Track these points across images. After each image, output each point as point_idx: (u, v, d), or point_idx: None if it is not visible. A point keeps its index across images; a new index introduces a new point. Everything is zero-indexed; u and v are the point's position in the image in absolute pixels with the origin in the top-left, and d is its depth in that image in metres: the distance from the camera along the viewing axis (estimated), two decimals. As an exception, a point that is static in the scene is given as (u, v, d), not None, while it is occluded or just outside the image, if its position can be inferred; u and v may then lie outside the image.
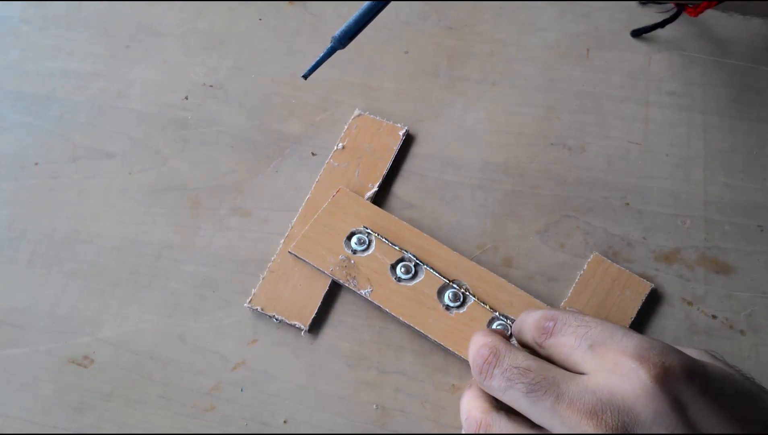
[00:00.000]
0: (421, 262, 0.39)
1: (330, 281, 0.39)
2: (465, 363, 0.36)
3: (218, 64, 0.48)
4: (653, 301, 0.39)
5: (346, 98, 0.46)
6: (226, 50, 0.49)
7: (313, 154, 0.44)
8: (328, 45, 0.36)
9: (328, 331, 0.39)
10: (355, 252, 0.39)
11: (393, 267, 0.39)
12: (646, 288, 0.39)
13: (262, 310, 0.38)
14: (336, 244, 0.40)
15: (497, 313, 0.37)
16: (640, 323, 0.39)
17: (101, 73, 0.48)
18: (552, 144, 0.45)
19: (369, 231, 0.40)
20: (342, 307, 0.39)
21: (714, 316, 0.39)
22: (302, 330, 0.38)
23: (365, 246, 0.40)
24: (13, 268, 0.41)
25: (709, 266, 0.41)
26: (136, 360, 0.38)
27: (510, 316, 0.37)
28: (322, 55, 0.36)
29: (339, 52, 0.49)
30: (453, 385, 0.37)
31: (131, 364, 0.38)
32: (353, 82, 0.47)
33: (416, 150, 0.45)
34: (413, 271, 0.39)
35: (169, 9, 0.51)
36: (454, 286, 0.38)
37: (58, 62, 0.49)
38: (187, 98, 0.47)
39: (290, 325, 0.38)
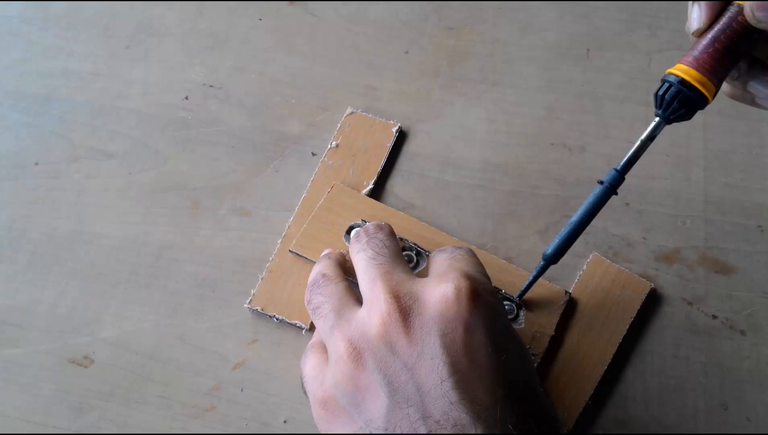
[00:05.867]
0: (422, 249, 0.39)
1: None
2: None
3: (218, 64, 0.48)
4: (653, 301, 0.39)
5: (346, 98, 0.46)
6: (226, 50, 0.49)
7: (313, 154, 0.44)
8: (540, 263, 0.35)
9: (328, 331, 0.39)
10: None
11: None
12: (645, 288, 0.39)
13: (262, 310, 0.38)
14: (336, 239, 0.40)
15: (502, 291, 0.38)
16: (640, 323, 0.39)
17: (101, 73, 0.48)
18: (552, 144, 0.45)
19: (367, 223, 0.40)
20: (342, 307, 0.39)
21: (714, 316, 0.39)
22: (303, 329, 0.38)
23: None
24: (13, 268, 0.41)
25: (709, 266, 0.41)
26: (136, 360, 0.38)
27: (510, 294, 0.38)
28: (534, 273, 0.36)
29: (340, 52, 0.49)
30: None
31: (131, 364, 0.38)
32: (353, 82, 0.47)
33: (416, 150, 0.45)
34: (415, 261, 0.39)
35: (169, 9, 0.51)
36: None
37: (58, 62, 0.49)
38: (187, 98, 0.47)
39: (291, 324, 0.38)
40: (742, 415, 0.37)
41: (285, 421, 0.37)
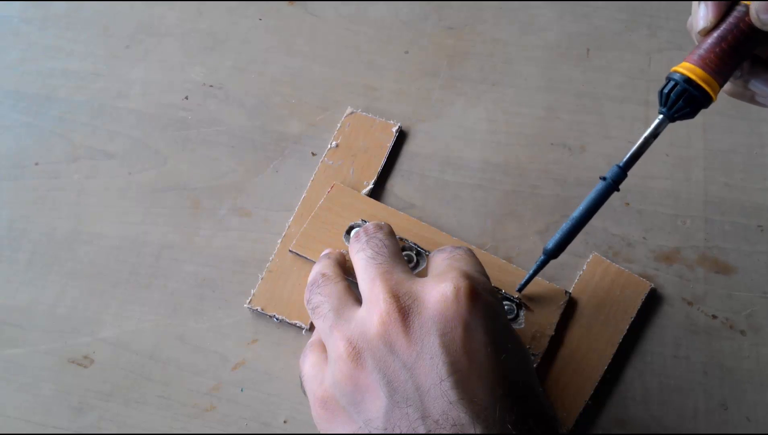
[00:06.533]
0: (422, 249, 0.39)
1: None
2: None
3: (218, 64, 0.48)
4: (653, 301, 0.39)
5: (346, 98, 0.46)
6: (226, 50, 0.49)
7: (312, 154, 0.44)
8: (540, 258, 0.36)
9: (328, 331, 0.39)
10: None
11: None
12: (645, 288, 0.39)
13: (262, 310, 0.38)
14: (336, 239, 0.40)
15: (502, 291, 0.38)
16: (640, 323, 0.39)
17: (101, 73, 0.48)
18: (552, 144, 0.45)
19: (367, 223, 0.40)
20: (342, 307, 0.39)
21: (714, 316, 0.39)
22: (303, 329, 0.38)
23: None
24: (13, 268, 0.41)
25: (709, 266, 0.41)
26: (136, 360, 0.38)
27: (510, 294, 0.38)
28: (534, 267, 0.36)
29: (340, 52, 0.49)
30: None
31: (131, 364, 0.38)
32: (353, 82, 0.47)
33: (416, 150, 0.45)
34: (415, 260, 0.39)
35: (169, 9, 0.51)
36: None
37: (58, 62, 0.49)
38: (187, 98, 0.47)
39: (291, 324, 0.38)
40: (742, 415, 0.37)
41: (285, 421, 0.37)
